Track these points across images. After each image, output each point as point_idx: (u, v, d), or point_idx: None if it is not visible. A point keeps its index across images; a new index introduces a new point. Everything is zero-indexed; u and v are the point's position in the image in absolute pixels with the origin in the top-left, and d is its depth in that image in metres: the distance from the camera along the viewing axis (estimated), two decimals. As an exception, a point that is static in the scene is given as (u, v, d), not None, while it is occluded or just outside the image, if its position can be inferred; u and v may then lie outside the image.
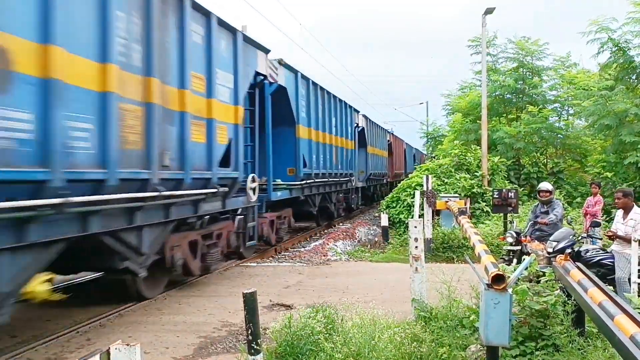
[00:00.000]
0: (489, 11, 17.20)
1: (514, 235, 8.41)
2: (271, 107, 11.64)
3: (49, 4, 4.91)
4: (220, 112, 8.54)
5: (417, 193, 14.26)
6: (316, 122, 14.46)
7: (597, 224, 8.63)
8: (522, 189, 17.77)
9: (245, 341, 4.72)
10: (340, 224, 19.20)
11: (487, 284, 4.19)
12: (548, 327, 4.92)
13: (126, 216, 6.31)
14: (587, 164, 19.08)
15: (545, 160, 20.59)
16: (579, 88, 18.57)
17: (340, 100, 17.46)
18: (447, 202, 13.08)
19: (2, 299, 4.69)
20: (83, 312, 7.24)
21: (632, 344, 3.20)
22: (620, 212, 7.19)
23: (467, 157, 18.07)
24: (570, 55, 22.42)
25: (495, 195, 12.04)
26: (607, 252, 7.08)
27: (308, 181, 13.72)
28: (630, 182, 15.34)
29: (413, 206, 15.00)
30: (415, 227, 6.44)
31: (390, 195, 18.30)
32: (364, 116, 22.03)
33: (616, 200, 7.21)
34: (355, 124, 20.11)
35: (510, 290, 4.17)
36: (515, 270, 4.85)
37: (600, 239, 9.76)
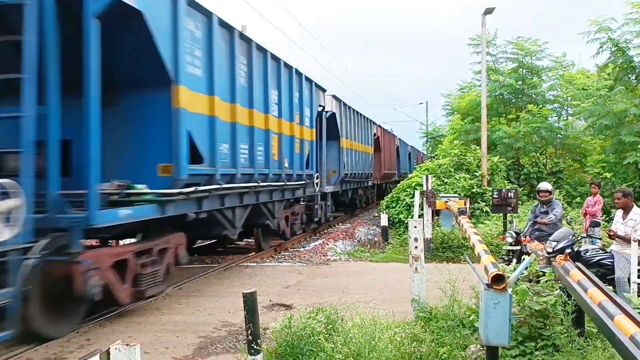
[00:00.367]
0: (489, 11, 17.19)
1: (514, 235, 8.41)
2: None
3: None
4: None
5: (417, 193, 14.25)
6: (221, 88, 8.58)
7: (597, 224, 8.63)
8: (522, 189, 17.77)
9: (245, 341, 4.72)
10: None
11: (486, 284, 4.19)
12: (548, 327, 4.92)
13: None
14: (586, 164, 19.09)
15: (544, 160, 20.59)
16: (579, 88, 18.57)
17: (288, 65, 11.84)
18: (447, 202, 13.07)
19: None
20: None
21: (632, 344, 3.20)
22: (619, 212, 7.20)
23: (466, 157, 18.07)
24: (566, 55, 22.42)
25: (494, 195, 12.04)
26: (607, 252, 7.08)
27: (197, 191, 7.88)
28: (630, 182, 15.35)
29: (413, 206, 15.00)
30: (415, 227, 6.44)
31: (390, 195, 18.29)
32: (336, 98, 16.68)
33: (616, 200, 7.21)
34: (321, 107, 15.13)
35: (510, 290, 4.17)
36: (515, 270, 4.85)
37: (600, 239, 9.76)
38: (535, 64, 21.33)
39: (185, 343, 6.08)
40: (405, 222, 14.53)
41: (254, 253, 12.27)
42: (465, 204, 12.97)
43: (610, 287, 5.56)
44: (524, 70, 21.25)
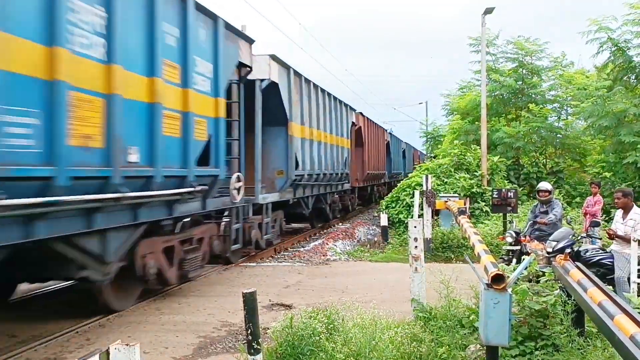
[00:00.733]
0: (489, 11, 17.20)
1: (514, 235, 8.41)
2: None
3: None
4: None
5: (417, 193, 14.26)
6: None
7: (597, 224, 8.63)
8: (522, 188, 17.78)
9: (244, 341, 4.72)
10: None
11: (486, 283, 4.19)
12: (548, 327, 4.92)
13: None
14: (586, 164, 19.10)
15: (544, 160, 20.60)
16: (578, 88, 18.58)
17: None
18: (447, 201, 13.08)
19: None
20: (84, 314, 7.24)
21: (632, 343, 3.21)
22: (619, 212, 7.20)
23: (466, 157, 18.07)
24: (565, 55, 22.42)
25: (494, 195, 12.04)
26: (607, 252, 7.08)
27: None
28: (630, 182, 15.36)
29: (412, 206, 15.00)
30: (415, 227, 6.44)
31: (390, 195, 18.28)
32: (279, 61, 11.65)
33: (616, 200, 7.21)
34: (246, 68, 9.95)
35: (509, 290, 4.17)
36: (514, 270, 4.85)
37: (600, 239, 9.76)
38: (535, 63, 21.34)
39: (185, 343, 6.08)
40: (405, 222, 14.53)
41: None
42: (465, 204, 12.98)
43: (610, 287, 5.57)
44: (524, 70, 21.25)
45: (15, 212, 4.69)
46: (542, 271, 5.96)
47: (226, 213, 9.86)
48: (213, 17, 8.35)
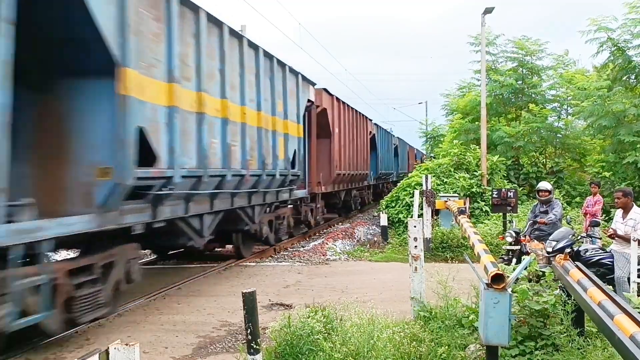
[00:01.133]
0: (488, 11, 17.18)
1: (513, 234, 8.40)
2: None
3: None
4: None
5: (417, 192, 14.25)
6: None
7: (597, 224, 8.63)
8: (521, 188, 17.76)
9: (244, 341, 4.72)
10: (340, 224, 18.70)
11: (486, 283, 4.19)
12: (547, 326, 4.91)
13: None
14: (586, 164, 19.08)
15: (544, 159, 20.59)
16: (578, 88, 18.57)
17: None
18: (447, 201, 13.07)
19: None
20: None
21: (632, 343, 3.20)
22: (619, 212, 7.19)
23: (466, 157, 18.06)
24: (568, 53, 22.39)
25: (494, 195, 12.04)
26: (607, 252, 7.08)
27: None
28: (629, 182, 15.35)
29: (412, 205, 14.99)
30: (415, 226, 6.44)
31: (389, 195, 18.28)
32: None
33: (616, 200, 7.20)
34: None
35: (509, 289, 4.17)
36: (514, 270, 4.84)
37: (600, 239, 9.76)
38: (535, 63, 21.33)
39: (184, 343, 6.07)
40: (405, 221, 14.52)
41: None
42: (464, 204, 12.97)
43: (610, 287, 5.57)
44: (524, 70, 21.25)
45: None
46: (542, 271, 5.95)
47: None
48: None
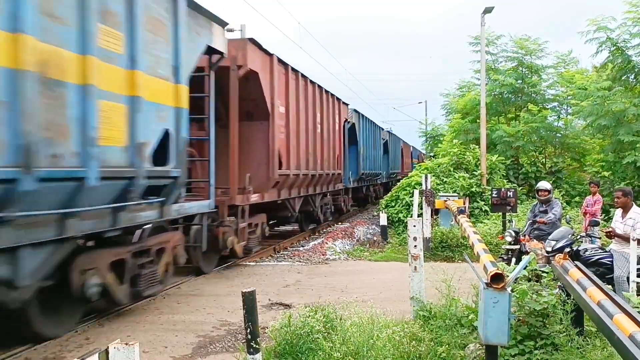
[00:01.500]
0: (488, 10, 17.18)
1: (513, 234, 8.42)
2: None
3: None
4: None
5: (416, 192, 14.25)
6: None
7: (596, 223, 8.63)
8: (521, 188, 17.77)
9: (244, 340, 4.72)
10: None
11: (486, 283, 4.19)
12: (547, 326, 4.92)
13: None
14: (585, 163, 19.09)
15: (543, 159, 20.60)
16: (578, 88, 18.58)
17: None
18: (446, 201, 13.07)
19: None
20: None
21: (631, 342, 3.21)
22: (619, 211, 7.20)
23: (465, 156, 18.07)
24: (571, 52, 22.42)
25: (494, 195, 12.04)
26: (606, 251, 7.09)
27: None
28: (629, 182, 15.36)
29: (412, 205, 15.00)
30: (414, 226, 6.44)
31: (389, 195, 18.29)
32: None
33: (616, 200, 7.21)
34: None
35: (509, 289, 4.17)
36: (514, 269, 4.85)
37: (599, 238, 9.76)
38: (535, 62, 21.34)
39: (184, 342, 6.08)
40: (405, 221, 14.53)
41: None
42: (464, 203, 12.97)
43: (610, 286, 5.57)
44: (524, 69, 21.24)
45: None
46: (541, 270, 5.96)
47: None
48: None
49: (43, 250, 5.13)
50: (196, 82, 8.21)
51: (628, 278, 6.51)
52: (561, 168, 19.53)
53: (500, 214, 12.61)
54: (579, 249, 7.06)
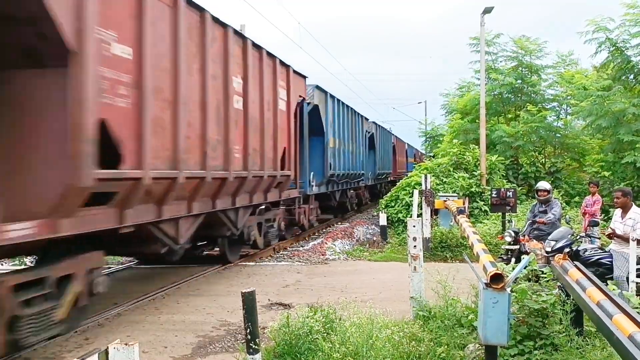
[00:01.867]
0: (487, 10, 17.18)
1: (513, 234, 8.41)
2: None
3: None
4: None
5: (416, 192, 14.26)
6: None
7: (596, 223, 8.64)
8: (520, 188, 17.77)
9: (243, 340, 4.72)
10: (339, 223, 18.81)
11: (485, 283, 4.19)
12: (546, 326, 4.92)
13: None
14: (585, 164, 19.09)
15: (543, 159, 20.60)
16: (578, 88, 18.59)
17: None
18: (446, 201, 13.07)
19: None
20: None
21: (631, 343, 3.21)
22: (618, 212, 7.20)
23: (465, 157, 18.07)
24: (572, 53, 22.43)
25: (493, 195, 12.04)
26: (606, 252, 7.09)
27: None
28: (628, 182, 15.36)
29: (411, 205, 15.00)
30: (414, 226, 6.44)
31: (389, 195, 18.28)
32: None
33: (615, 200, 7.21)
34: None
35: (508, 289, 4.17)
36: (513, 269, 4.85)
37: (599, 238, 9.77)
38: (535, 62, 21.34)
39: (183, 342, 6.07)
40: (404, 221, 14.52)
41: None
42: (463, 203, 12.97)
43: (613, 287, 5.57)
44: (523, 69, 21.25)
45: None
46: (541, 270, 5.96)
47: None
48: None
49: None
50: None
51: (627, 278, 6.51)
52: (560, 168, 19.54)
53: (499, 214, 12.61)
54: (579, 249, 7.06)
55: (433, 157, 25.11)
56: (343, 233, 15.80)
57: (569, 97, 20.64)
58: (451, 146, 19.62)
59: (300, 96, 13.11)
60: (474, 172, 17.45)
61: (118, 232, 6.41)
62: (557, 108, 22.18)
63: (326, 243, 13.77)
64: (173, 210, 7.47)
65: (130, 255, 10.74)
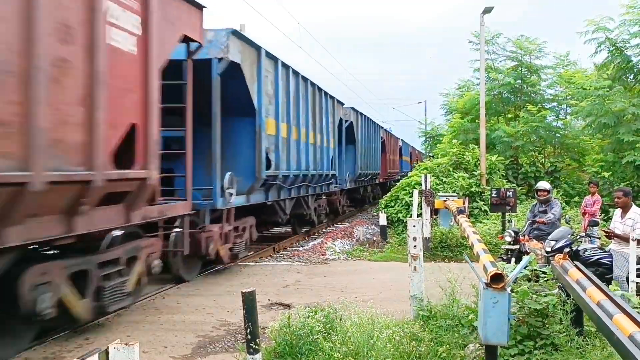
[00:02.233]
0: (487, 10, 17.18)
1: (513, 234, 8.42)
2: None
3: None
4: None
5: (416, 192, 14.26)
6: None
7: (596, 223, 8.64)
8: (520, 188, 17.77)
9: (243, 340, 4.72)
10: (339, 223, 18.74)
11: (485, 283, 4.19)
12: (547, 326, 4.92)
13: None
14: (585, 163, 19.09)
15: (543, 159, 20.60)
16: (577, 88, 18.59)
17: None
18: (446, 201, 13.08)
19: None
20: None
21: (631, 342, 3.21)
22: (618, 211, 7.21)
23: (465, 156, 18.08)
24: (569, 54, 22.44)
25: (493, 195, 12.04)
26: (606, 251, 7.09)
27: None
28: (628, 181, 15.36)
29: (411, 205, 15.00)
30: (414, 226, 6.44)
31: (389, 195, 18.28)
32: None
33: (616, 200, 7.21)
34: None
35: (508, 289, 4.17)
36: (513, 269, 4.85)
37: (599, 238, 9.77)
38: (534, 62, 21.35)
39: (183, 342, 6.07)
40: (404, 221, 14.52)
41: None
42: (463, 203, 12.98)
43: (616, 287, 5.57)
44: (523, 69, 21.25)
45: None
46: (541, 270, 5.96)
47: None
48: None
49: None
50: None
51: (627, 278, 6.52)
52: (560, 168, 19.54)
53: (499, 214, 12.61)
54: (579, 249, 7.07)
55: (433, 157, 25.07)
56: (343, 233, 15.80)
57: (568, 97, 20.65)
58: (451, 146, 19.62)
59: (186, 37, 7.49)
60: (473, 172, 17.45)
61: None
62: (557, 108, 22.18)
63: (326, 243, 13.77)
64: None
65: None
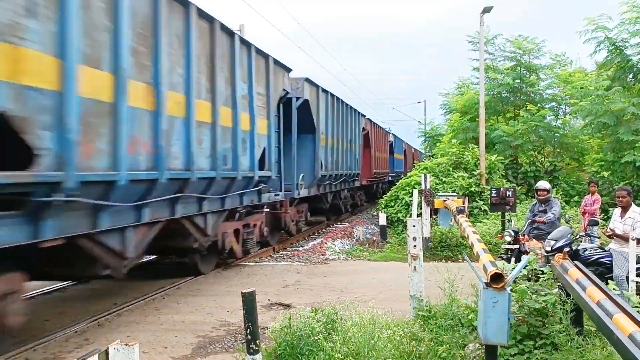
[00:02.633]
0: (487, 10, 17.18)
1: (512, 233, 8.42)
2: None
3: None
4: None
5: (415, 192, 14.26)
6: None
7: (595, 223, 8.64)
8: (520, 187, 17.78)
9: (243, 340, 4.72)
10: (339, 222, 18.84)
11: (485, 282, 4.19)
12: (546, 325, 4.92)
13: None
14: (584, 163, 19.09)
15: (542, 158, 20.61)
16: (577, 87, 18.59)
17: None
18: (445, 201, 13.08)
19: None
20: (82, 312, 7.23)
21: (631, 342, 3.21)
22: (618, 211, 7.21)
23: (464, 156, 18.08)
24: (565, 54, 22.48)
25: (493, 194, 12.05)
26: (605, 251, 7.09)
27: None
28: (628, 181, 15.36)
29: (411, 205, 15.00)
30: (414, 226, 6.44)
31: (388, 194, 18.28)
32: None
33: (620, 199, 7.19)
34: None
35: (508, 289, 4.17)
36: (513, 269, 4.85)
37: (599, 238, 9.78)
38: (533, 62, 21.35)
39: (183, 342, 6.07)
40: (404, 221, 14.53)
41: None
42: (463, 203, 12.98)
43: (614, 287, 5.57)
44: (522, 69, 21.25)
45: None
46: (541, 270, 5.96)
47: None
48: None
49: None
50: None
51: (627, 277, 6.52)
52: (559, 168, 19.54)
53: (499, 213, 12.62)
54: (578, 248, 7.07)
55: (432, 156, 25.06)
56: (343, 233, 15.80)
57: (567, 97, 20.66)
58: (450, 146, 19.62)
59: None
60: (473, 172, 17.46)
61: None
62: (556, 108, 22.19)
63: (326, 243, 13.78)
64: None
65: None
